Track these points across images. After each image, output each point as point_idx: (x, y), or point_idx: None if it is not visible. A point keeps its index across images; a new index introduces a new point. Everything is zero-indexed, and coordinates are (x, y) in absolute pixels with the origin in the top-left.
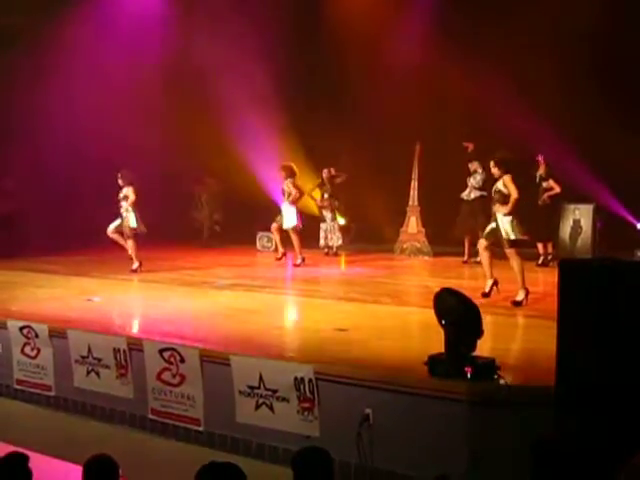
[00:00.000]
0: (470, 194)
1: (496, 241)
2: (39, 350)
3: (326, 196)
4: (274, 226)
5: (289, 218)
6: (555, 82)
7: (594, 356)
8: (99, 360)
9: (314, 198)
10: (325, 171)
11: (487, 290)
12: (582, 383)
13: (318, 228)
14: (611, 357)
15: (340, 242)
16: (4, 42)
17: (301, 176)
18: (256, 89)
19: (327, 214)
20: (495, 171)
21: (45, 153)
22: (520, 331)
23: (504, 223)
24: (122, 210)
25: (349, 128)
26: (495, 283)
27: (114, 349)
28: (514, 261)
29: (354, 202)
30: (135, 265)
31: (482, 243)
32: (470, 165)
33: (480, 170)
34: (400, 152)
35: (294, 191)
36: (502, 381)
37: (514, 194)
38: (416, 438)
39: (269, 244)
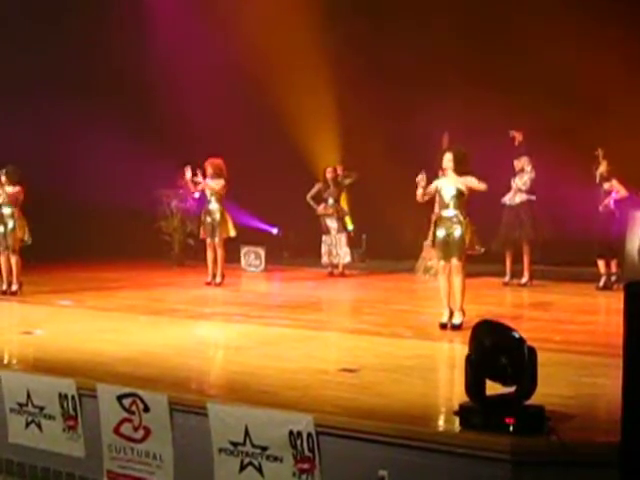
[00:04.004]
0: (515, 198)
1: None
2: None
3: (331, 201)
4: None
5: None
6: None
7: None
8: (41, 409)
9: (315, 205)
10: (329, 170)
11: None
12: None
13: (319, 241)
14: None
15: (348, 259)
16: None
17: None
18: None
19: (332, 224)
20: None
21: None
22: (576, 371)
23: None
24: (8, 215)
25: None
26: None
27: (60, 395)
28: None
29: (365, 207)
30: (15, 287)
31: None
32: (516, 162)
33: (529, 168)
34: (424, 144)
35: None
36: (553, 435)
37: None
38: None
39: (257, 262)
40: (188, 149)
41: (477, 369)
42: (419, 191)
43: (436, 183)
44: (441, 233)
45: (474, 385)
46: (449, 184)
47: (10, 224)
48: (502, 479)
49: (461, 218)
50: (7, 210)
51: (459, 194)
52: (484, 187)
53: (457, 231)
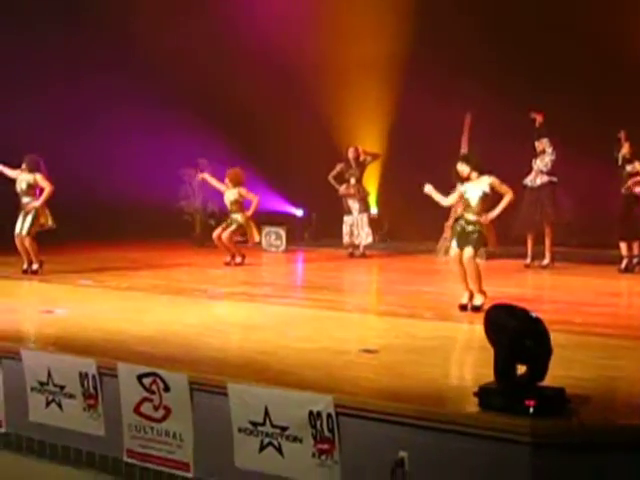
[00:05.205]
0: (536, 179)
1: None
2: None
3: (353, 182)
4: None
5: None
6: None
7: None
8: (62, 388)
9: (337, 185)
10: (351, 150)
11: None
12: None
13: (341, 222)
14: None
15: (370, 240)
16: None
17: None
18: None
19: (353, 204)
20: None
21: None
22: (597, 354)
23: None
24: (28, 203)
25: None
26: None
27: (81, 374)
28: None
29: (390, 187)
30: (36, 266)
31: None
32: (537, 144)
33: (550, 150)
34: (446, 124)
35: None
36: (574, 418)
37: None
38: None
39: (278, 242)
40: (216, 126)
41: (507, 354)
42: (439, 199)
43: (460, 189)
44: (460, 226)
45: (504, 369)
46: (474, 188)
47: (32, 212)
48: (522, 461)
49: (483, 222)
50: (27, 199)
51: (485, 196)
52: (510, 196)
53: (477, 230)
